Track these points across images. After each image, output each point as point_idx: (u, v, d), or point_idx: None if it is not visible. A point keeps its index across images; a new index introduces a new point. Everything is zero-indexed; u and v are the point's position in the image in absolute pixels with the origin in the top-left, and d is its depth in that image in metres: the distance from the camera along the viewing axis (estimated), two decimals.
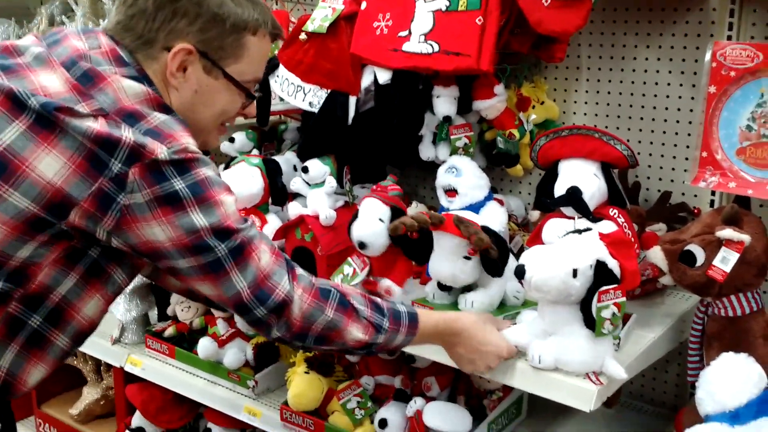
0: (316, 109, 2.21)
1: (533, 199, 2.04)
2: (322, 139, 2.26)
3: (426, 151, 2.22)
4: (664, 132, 2.11)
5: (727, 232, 1.59)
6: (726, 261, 1.60)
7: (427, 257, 1.79)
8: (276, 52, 2.33)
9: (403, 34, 2.06)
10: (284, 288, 1.40)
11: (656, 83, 2.10)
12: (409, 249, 1.83)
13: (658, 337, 1.77)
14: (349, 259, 1.96)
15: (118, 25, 1.41)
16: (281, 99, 2.32)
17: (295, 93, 2.25)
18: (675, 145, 2.10)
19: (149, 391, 2.53)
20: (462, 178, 2.06)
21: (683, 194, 2.08)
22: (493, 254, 1.67)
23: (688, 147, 2.06)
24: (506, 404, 2.06)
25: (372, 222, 1.86)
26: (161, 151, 1.25)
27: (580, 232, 1.62)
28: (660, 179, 2.13)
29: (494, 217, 2.00)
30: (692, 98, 2.04)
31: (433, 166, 2.18)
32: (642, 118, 2.14)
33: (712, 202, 2.00)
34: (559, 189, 1.82)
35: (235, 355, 2.33)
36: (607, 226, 1.71)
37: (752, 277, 1.64)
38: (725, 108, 1.75)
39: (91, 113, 1.25)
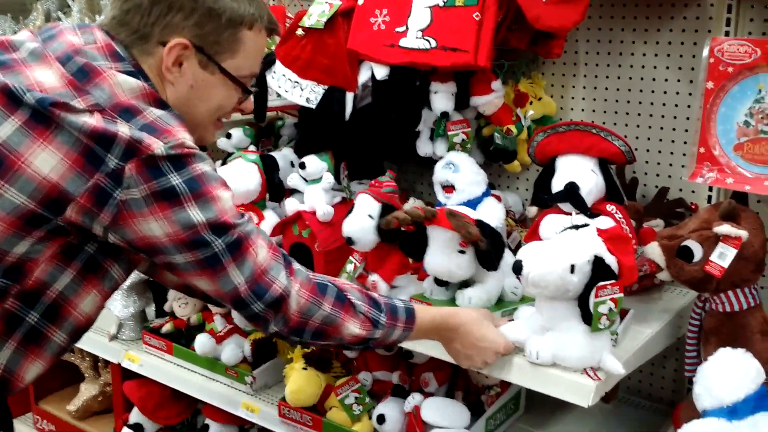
0: (313, 105, 2.21)
1: (531, 195, 2.04)
2: (319, 135, 2.26)
3: (423, 147, 2.22)
4: (662, 128, 2.11)
5: (724, 228, 1.59)
6: (723, 257, 1.60)
7: (423, 253, 1.79)
8: (273, 47, 2.32)
9: (401, 29, 2.06)
10: (281, 283, 1.40)
11: (654, 79, 2.10)
12: (406, 245, 1.83)
13: (655, 332, 1.77)
14: (351, 257, 1.97)
15: (114, 20, 1.40)
16: (278, 95, 2.32)
17: (292, 89, 2.25)
18: (672, 141, 2.10)
19: (147, 387, 2.53)
20: (459, 174, 2.05)
21: (681, 190, 2.08)
22: (483, 246, 1.67)
23: (685, 143, 2.06)
24: (504, 400, 2.06)
25: (361, 218, 1.86)
26: (157, 146, 1.25)
27: (577, 227, 1.62)
28: (657, 175, 2.13)
29: (492, 213, 2.00)
30: (690, 94, 2.04)
31: (431, 162, 2.18)
32: (640, 114, 2.14)
33: (709, 198, 2.00)
34: (557, 185, 1.82)
35: (232, 351, 2.33)
36: (604, 222, 1.72)
37: (749, 273, 1.64)
38: (723, 104, 1.75)
39: (86, 108, 1.24)
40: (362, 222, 1.85)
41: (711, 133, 1.77)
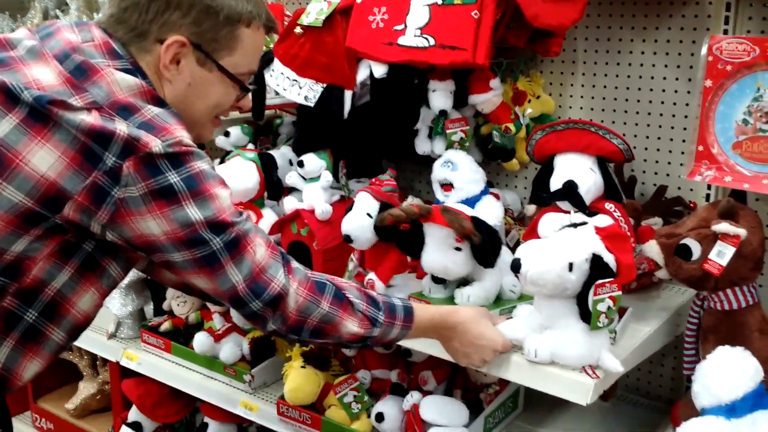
0: (311, 104, 2.21)
1: (529, 194, 2.04)
2: (317, 133, 2.26)
3: (422, 146, 2.22)
4: (660, 126, 2.11)
5: (723, 226, 1.59)
6: (722, 255, 1.60)
7: (420, 251, 1.79)
8: (271, 46, 2.32)
9: (399, 27, 2.06)
10: (280, 281, 1.40)
11: (652, 77, 2.10)
12: (403, 243, 1.83)
13: (654, 330, 1.77)
14: (352, 255, 1.97)
15: (111, 17, 1.40)
16: (276, 93, 2.32)
17: (290, 87, 2.25)
18: (671, 139, 2.10)
19: (145, 385, 2.53)
20: (458, 173, 2.05)
21: (679, 188, 2.08)
22: (476, 240, 1.67)
23: (684, 141, 2.06)
24: (503, 398, 2.06)
25: (360, 216, 1.86)
26: (155, 144, 1.25)
27: (575, 225, 1.62)
28: (656, 173, 2.13)
29: (490, 211, 2.00)
30: (688, 92, 2.04)
31: (429, 161, 2.18)
32: (638, 112, 2.14)
33: (707, 196, 2.00)
34: (555, 183, 1.82)
35: (231, 349, 2.33)
36: (603, 220, 1.71)
37: (748, 271, 1.65)
38: (721, 102, 1.75)
39: (84, 106, 1.24)
40: (361, 220, 1.85)
41: (709, 132, 1.76)
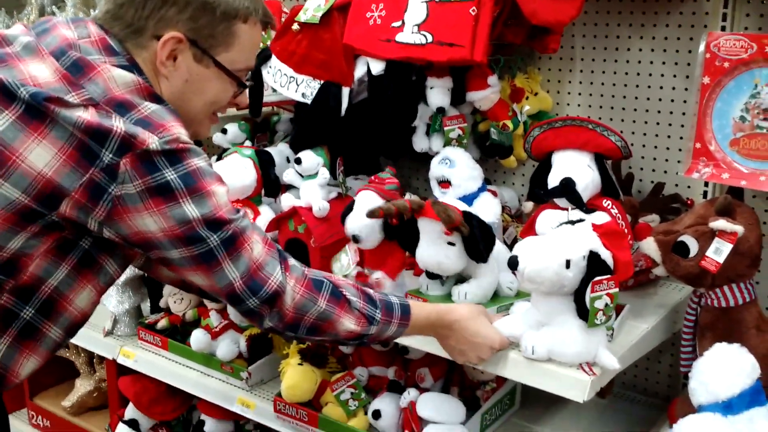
0: (309, 100, 2.21)
1: (527, 191, 2.04)
2: (315, 130, 2.25)
3: (419, 143, 2.21)
4: (658, 123, 2.11)
5: (720, 223, 1.59)
6: (719, 252, 1.60)
7: (416, 246, 1.79)
8: (268, 42, 2.31)
9: (397, 24, 2.05)
10: (277, 279, 1.40)
11: (650, 74, 2.10)
12: (400, 239, 1.83)
13: (651, 327, 1.78)
14: (346, 247, 1.96)
15: (108, 14, 1.40)
16: (274, 90, 2.31)
17: (287, 84, 2.24)
18: (668, 136, 2.10)
19: (142, 383, 2.52)
20: (455, 170, 2.05)
21: (676, 185, 2.08)
22: (465, 231, 1.67)
23: (681, 138, 2.06)
24: (500, 395, 2.06)
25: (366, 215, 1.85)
26: (152, 141, 1.24)
27: (573, 223, 1.62)
28: (653, 170, 2.14)
29: (488, 208, 2.00)
30: (686, 89, 2.04)
31: (427, 158, 2.18)
32: (636, 109, 2.14)
33: (705, 194, 2.00)
34: (553, 180, 1.82)
35: (228, 346, 2.32)
36: (600, 217, 1.71)
37: (745, 268, 1.65)
38: (719, 99, 1.75)
39: (81, 103, 1.24)
40: (368, 219, 1.84)
41: (707, 129, 1.76)
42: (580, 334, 1.53)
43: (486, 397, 2.05)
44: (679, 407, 1.72)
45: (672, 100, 2.08)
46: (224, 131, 2.58)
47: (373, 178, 2.00)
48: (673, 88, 2.07)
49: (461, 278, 1.80)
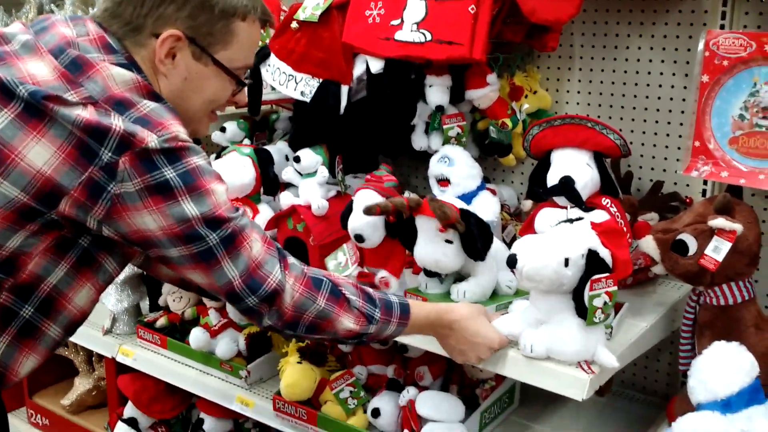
0: (307, 99, 2.20)
1: (526, 189, 2.04)
2: (314, 128, 2.25)
3: (418, 141, 2.21)
4: (657, 121, 2.11)
5: (719, 222, 1.59)
6: (718, 250, 1.60)
7: (414, 245, 1.79)
8: (267, 41, 2.31)
9: (396, 22, 2.05)
10: (276, 277, 1.40)
11: (649, 72, 2.10)
12: (401, 237, 1.83)
13: (650, 326, 1.78)
14: (344, 246, 1.95)
15: (106, 12, 1.39)
16: (273, 88, 2.31)
17: (286, 82, 2.24)
18: (667, 135, 2.10)
19: (141, 381, 2.52)
20: (454, 168, 2.05)
21: (675, 184, 2.08)
22: (461, 228, 1.66)
23: (680, 136, 2.06)
24: (499, 393, 2.06)
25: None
26: (151, 139, 1.24)
27: (571, 221, 1.62)
28: (652, 169, 2.14)
29: (487, 206, 2.00)
30: (685, 87, 2.04)
31: (426, 156, 2.17)
32: (635, 108, 2.14)
33: (704, 192, 2.00)
34: (552, 178, 1.82)
35: (227, 345, 2.32)
36: (599, 216, 1.71)
37: (744, 266, 1.65)
38: (718, 97, 1.75)
39: (80, 101, 1.24)
40: (369, 217, 1.84)
41: (706, 127, 1.77)
42: (579, 333, 1.53)
43: (485, 396, 2.05)
44: (678, 405, 1.72)
45: (671, 99, 2.08)
46: (223, 129, 2.58)
47: (369, 176, 2.00)
48: (672, 87, 2.07)
49: (460, 276, 1.80)
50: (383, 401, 2.04)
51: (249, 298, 1.39)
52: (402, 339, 1.70)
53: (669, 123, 2.09)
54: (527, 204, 1.98)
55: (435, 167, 2.08)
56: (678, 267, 1.66)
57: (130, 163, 1.23)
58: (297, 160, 2.19)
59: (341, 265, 1.93)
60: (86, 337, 2.63)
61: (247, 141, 2.50)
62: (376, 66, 2.09)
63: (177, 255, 1.33)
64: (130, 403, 2.54)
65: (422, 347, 1.80)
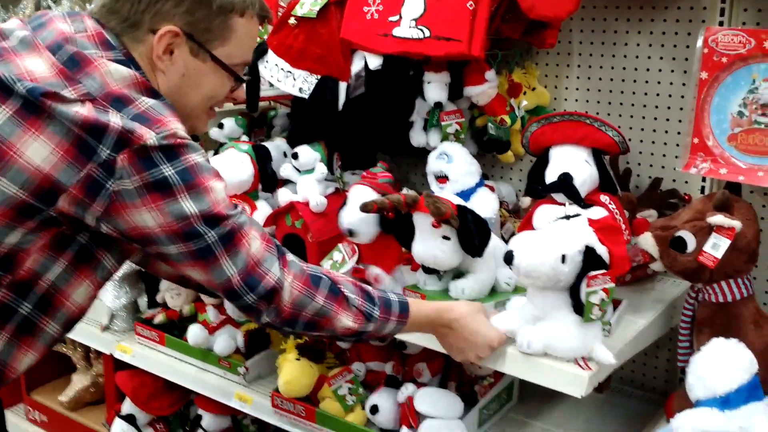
0: (306, 95, 2.20)
1: (524, 186, 2.04)
2: (312, 125, 2.25)
3: (417, 138, 2.21)
4: (656, 118, 2.11)
5: (718, 219, 1.59)
6: (717, 247, 1.60)
7: (411, 242, 1.79)
8: (265, 37, 2.31)
9: (394, 19, 2.05)
10: (274, 275, 1.39)
11: (648, 69, 2.10)
12: (396, 234, 1.83)
13: (648, 322, 1.78)
14: (339, 245, 1.95)
15: (104, 8, 1.39)
16: (271, 84, 2.31)
17: (284, 78, 2.24)
18: (666, 132, 2.10)
19: (139, 378, 2.52)
20: (453, 165, 2.05)
21: (674, 180, 2.09)
22: (455, 224, 1.66)
23: (679, 133, 2.06)
24: (497, 390, 2.06)
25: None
26: (150, 136, 1.24)
27: (568, 218, 1.62)
28: (651, 165, 2.14)
29: (485, 203, 2.00)
30: (684, 84, 2.04)
31: (424, 153, 2.17)
32: (633, 105, 2.14)
33: (703, 189, 2.00)
34: (551, 175, 1.82)
35: (225, 341, 2.32)
36: (597, 213, 1.71)
37: (743, 264, 1.65)
38: (717, 94, 1.75)
39: (78, 98, 1.23)
40: (362, 213, 1.84)
41: (705, 124, 1.77)
42: (576, 329, 1.53)
43: (484, 392, 2.05)
44: (677, 402, 1.73)
45: (670, 96, 2.08)
46: (221, 126, 2.58)
47: (365, 173, 2.00)
48: (671, 84, 2.07)
49: (459, 273, 1.79)
50: (382, 398, 2.04)
51: (247, 296, 1.38)
52: (401, 335, 1.70)
53: (668, 120, 2.09)
54: (526, 201, 1.98)
55: (433, 164, 2.08)
56: (677, 264, 1.66)
57: (129, 161, 1.23)
58: (295, 156, 2.19)
59: (338, 263, 1.93)
60: (84, 333, 2.63)
61: (245, 137, 2.50)
62: (375, 62, 2.09)
63: (175, 252, 1.32)
64: (128, 400, 2.54)
65: (421, 344, 1.80)
